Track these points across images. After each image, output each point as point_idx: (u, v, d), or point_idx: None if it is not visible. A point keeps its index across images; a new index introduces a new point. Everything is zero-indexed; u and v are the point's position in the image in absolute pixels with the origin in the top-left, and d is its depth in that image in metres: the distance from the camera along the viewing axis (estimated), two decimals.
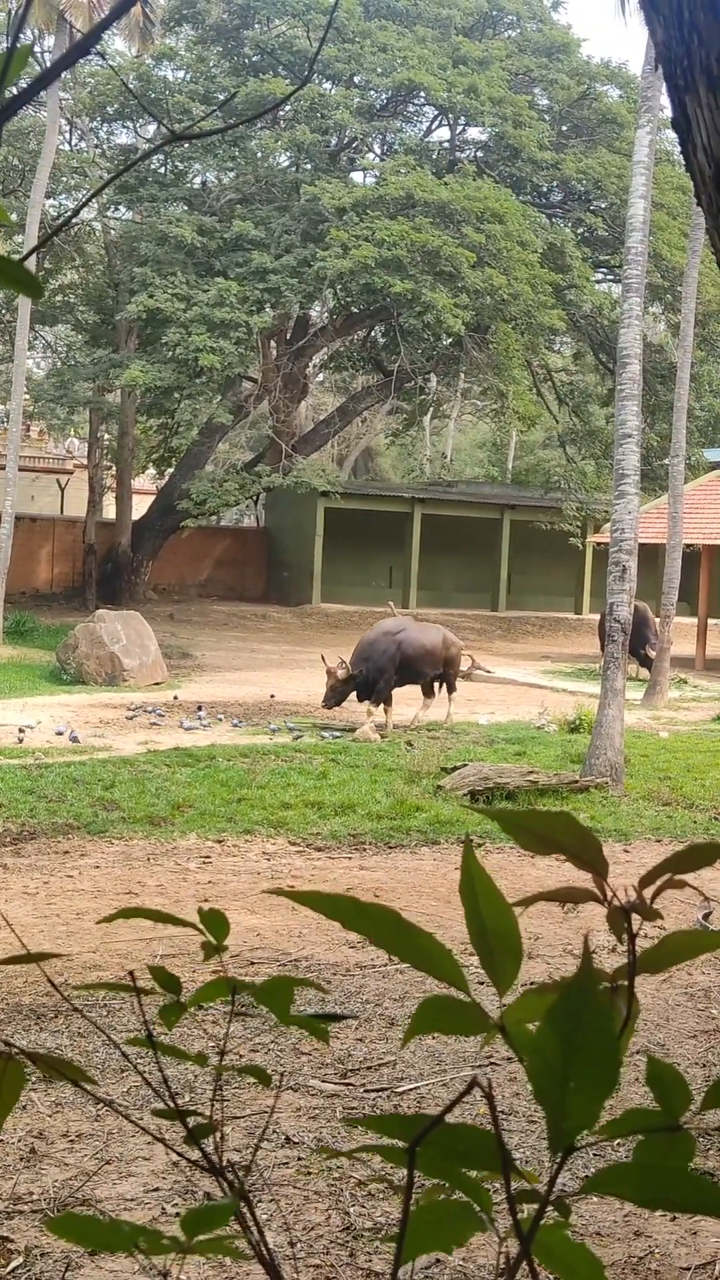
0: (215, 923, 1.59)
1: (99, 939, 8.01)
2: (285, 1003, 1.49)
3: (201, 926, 1.58)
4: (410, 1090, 5.94)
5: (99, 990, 7.09)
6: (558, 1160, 1.17)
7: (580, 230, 37.67)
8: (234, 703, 20.65)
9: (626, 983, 1.34)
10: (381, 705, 18.28)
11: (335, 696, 18.32)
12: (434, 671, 18.97)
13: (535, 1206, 1.22)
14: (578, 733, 17.50)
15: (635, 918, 1.35)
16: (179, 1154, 1.62)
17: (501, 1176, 1.21)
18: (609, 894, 1.37)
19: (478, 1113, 5.28)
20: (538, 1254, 1.22)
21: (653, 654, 24.55)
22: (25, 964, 1.55)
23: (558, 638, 39.16)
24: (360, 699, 18.39)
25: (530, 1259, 1.21)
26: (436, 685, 19.23)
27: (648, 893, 1.38)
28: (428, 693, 19.27)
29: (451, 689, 19.29)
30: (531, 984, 1.34)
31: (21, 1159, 5.11)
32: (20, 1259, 4.32)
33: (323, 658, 19.33)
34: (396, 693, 18.56)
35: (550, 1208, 1.22)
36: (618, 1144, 4.68)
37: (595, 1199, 4.80)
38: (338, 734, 17.35)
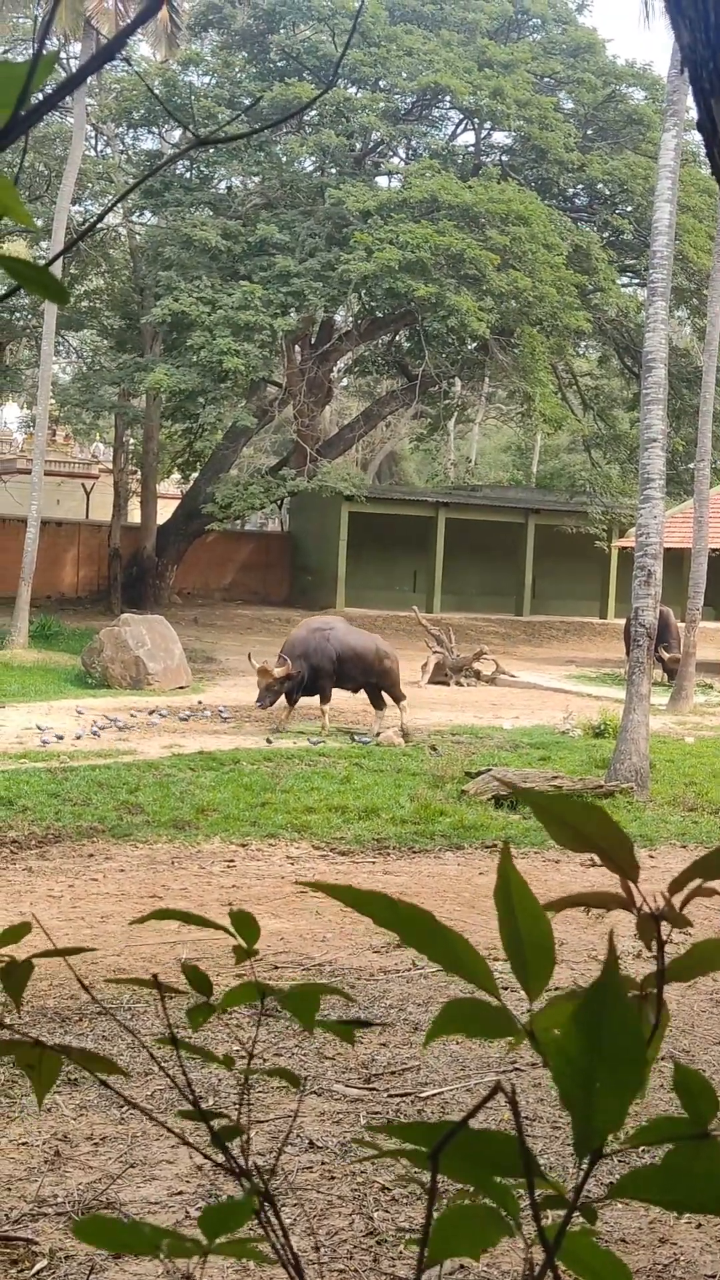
0: (245, 926, 1.59)
1: (123, 942, 8.02)
2: (312, 1010, 1.49)
3: (232, 930, 1.58)
4: (434, 1095, 5.93)
5: (124, 993, 7.09)
6: (584, 1165, 1.16)
7: (606, 233, 37.61)
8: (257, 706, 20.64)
9: (655, 991, 1.33)
10: (326, 705, 18.07)
11: (270, 695, 17.91)
12: (363, 678, 18.37)
13: (561, 1212, 1.21)
14: (602, 738, 17.45)
15: (664, 925, 1.35)
16: (205, 1156, 1.62)
17: (525, 1182, 1.21)
18: (638, 900, 1.37)
19: (502, 1118, 5.27)
20: (563, 1260, 1.21)
21: (666, 655, 24.49)
22: (50, 966, 1.55)
23: (582, 642, 39.08)
24: (290, 700, 18.09)
25: (555, 1265, 1.21)
26: (383, 695, 18.62)
27: (676, 899, 1.37)
28: (376, 704, 18.61)
29: (379, 704, 18.54)
30: (558, 989, 1.34)
31: (46, 1161, 5.12)
32: (45, 1261, 4.33)
33: (249, 657, 19.24)
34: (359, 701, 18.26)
35: (576, 1213, 1.22)
36: (642, 1151, 4.66)
37: (620, 1205, 4.79)
38: (366, 739, 17.19)
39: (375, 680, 18.43)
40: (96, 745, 16.15)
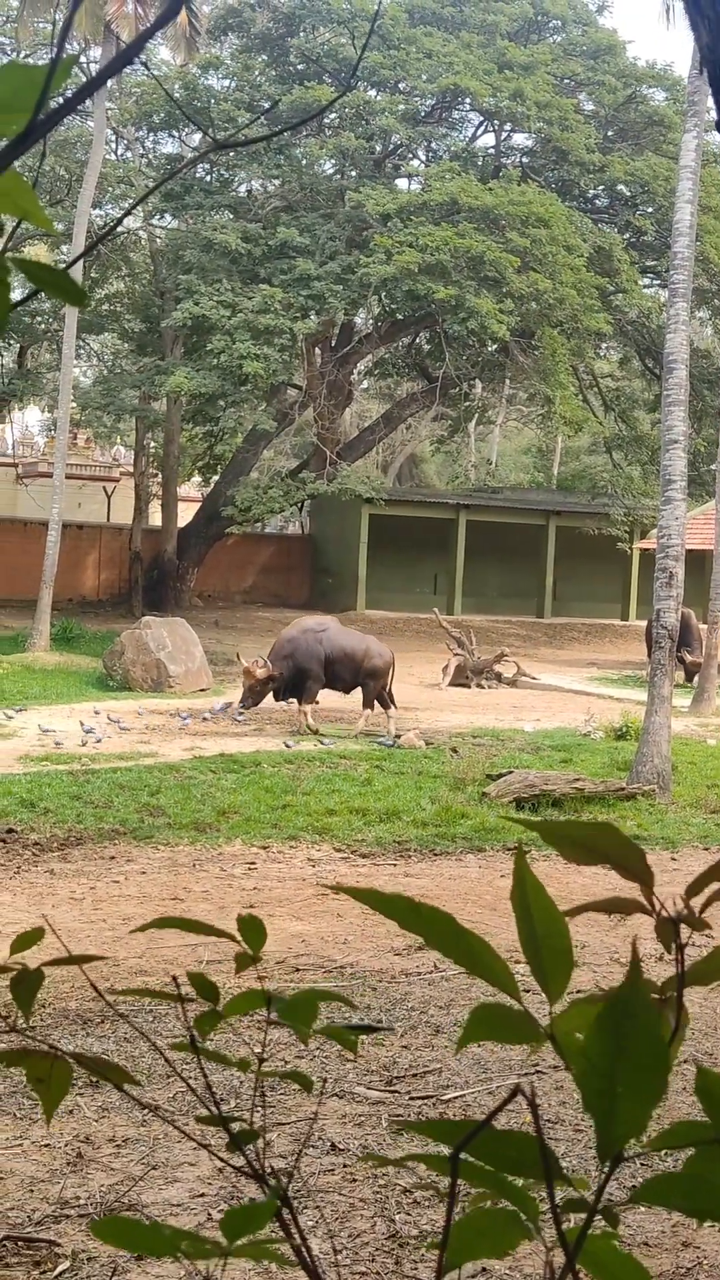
0: (252, 930, 1.57)
1: (144, 944, 8.03)
2: (310, 1019, 1.48)
3: (237, 936, 1.57)
4: (456, 1098, 5.92)
5: (143, 996, 7.11)
6: (606, 1169, 1.16)
7: (627, 234, 37.54)
8: (278, 708, 20.65)
9: (675, 994, 1.33)
10: (308, 705, 17.99)
11: (253, 696, 17.86)
12: (354, 679, 18.30)
13: (582, 1215, 1.21)
14: (624, 740, 17.41)
15: (683, 928, 1.34)
16: (223, 1160, 1.62)
17: (546, 1185, 1.21)
18: (657, 904, 1.36)
19: (524, 1121, 5.26)
20: (584, 1263, 1.21)
21: (688, 657, 24.43)
22: (70, 967, 1.55)
23: (604, 644, 39.00)
24: (278, 699, 18.01)
25: (575, 1268, 1.20)
26: (386, 696, 18.55)
27: (696, 902, 1.37)
28: (384, 704, 18.55)
29: (368, 704, 18.40)
30: (579, 992, 1.33)
31: (68, 1163, 5.13)
32: (67, 1263, 4.34)
33: (238, 656, 19.21)
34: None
35: (598, 1217, 1.21)
36: (664, 1154, 4.64)
37: (643, 1209, 4.77)
38: (387, 741, 17.15)
39: (364, 680, 18.34)
40: (118, 747, 16.17)
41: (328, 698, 19.48)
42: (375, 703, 18.50)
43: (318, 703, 18.99)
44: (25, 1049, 1.53)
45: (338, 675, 18.21)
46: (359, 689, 18.57)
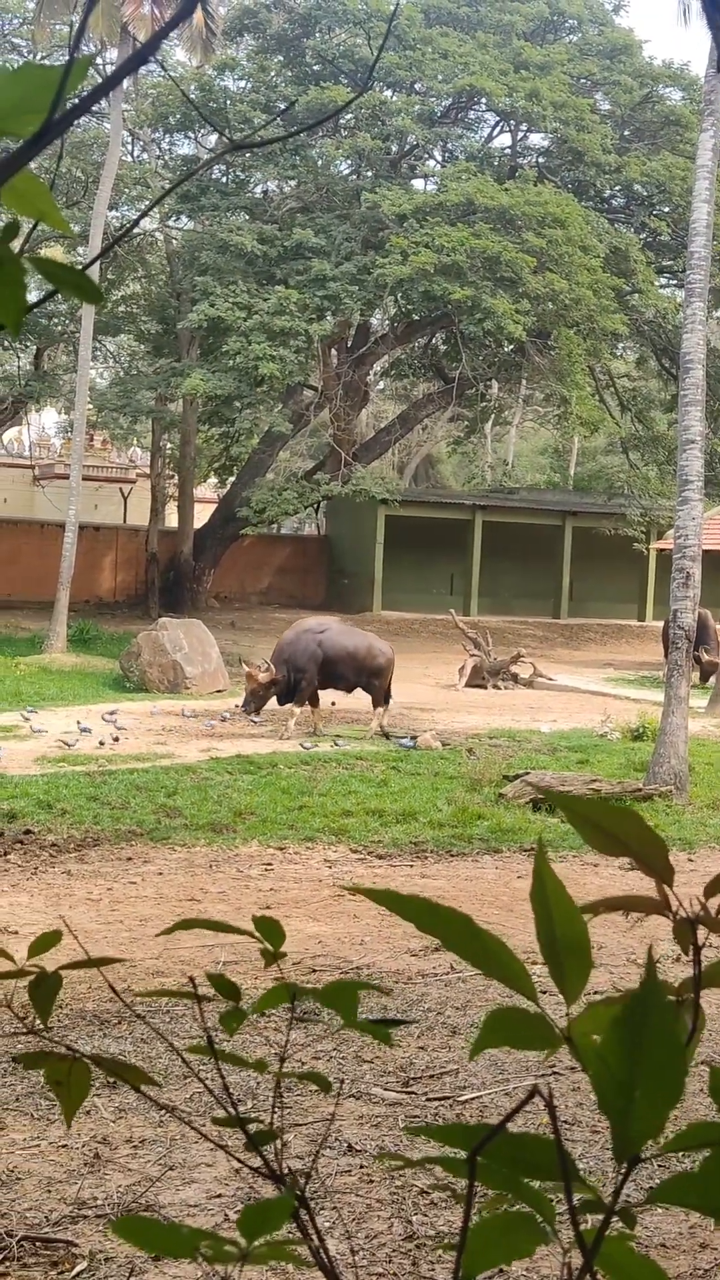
0: (271, 930, 1.58)
1: (162, 945, 8.04)
2: (351, 1006, 1.49)
3: (258, 934, 1.57)
4: (473, 1099, 5.92)
5: (161, 996, 7.12)
6: (622, 1171, 1.15)
7: (644, 234, 37.47)
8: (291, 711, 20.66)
9: (691, 996, 1.32)
10: (307, 706, 17.92)
11: (255, 700, 17.80)
12: (356, 679, 18.25)
13: (599, 1217, 1.21)
14: (641, 740, 17.37)
15: (701, 929, 1.34)
16: (241, 1161, 1.62)
17: (563, 1187, 1.20)
18: (675, 904, 1.36)
19: (540, 1123, 5.25)
20: (602, 1265, 1.21)
21: (705, 658, 24.38)
22: (88, 969, 1.56)
23: (620, 645, 38.94)
24: (281, 703, 17.95)
25: (593, 1270, 1.20)
26: (380, 694, 18.52)
27: (713, 903, 1.37)
28: (375, 701, 18.56)
29: (377, 702, 18.37)
30: (596, 994, 1.33)
31: (86, 1164, 5.14)
32: (85, 1263, 4.34)
33: (240, 660, 19.16)
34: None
35: (615, 1218, 1.21)
36: (681, 1156, 4.62)
37: (660, 1210, 4.76)
38: (407, 742, 17.08)
39: (367, 679, 18.32)
40: (134, 749, 16.20)
41: (343, 699, 19.47)
42: (381, 700, 18.51)
43: (334, 704, 18.97)
44: (44, 1051, 1.54)
45: (340, 675, 18.17)
46: (360, 689, 18.55)
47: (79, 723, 17.61)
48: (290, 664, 17.72)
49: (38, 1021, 1.54)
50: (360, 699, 19.15)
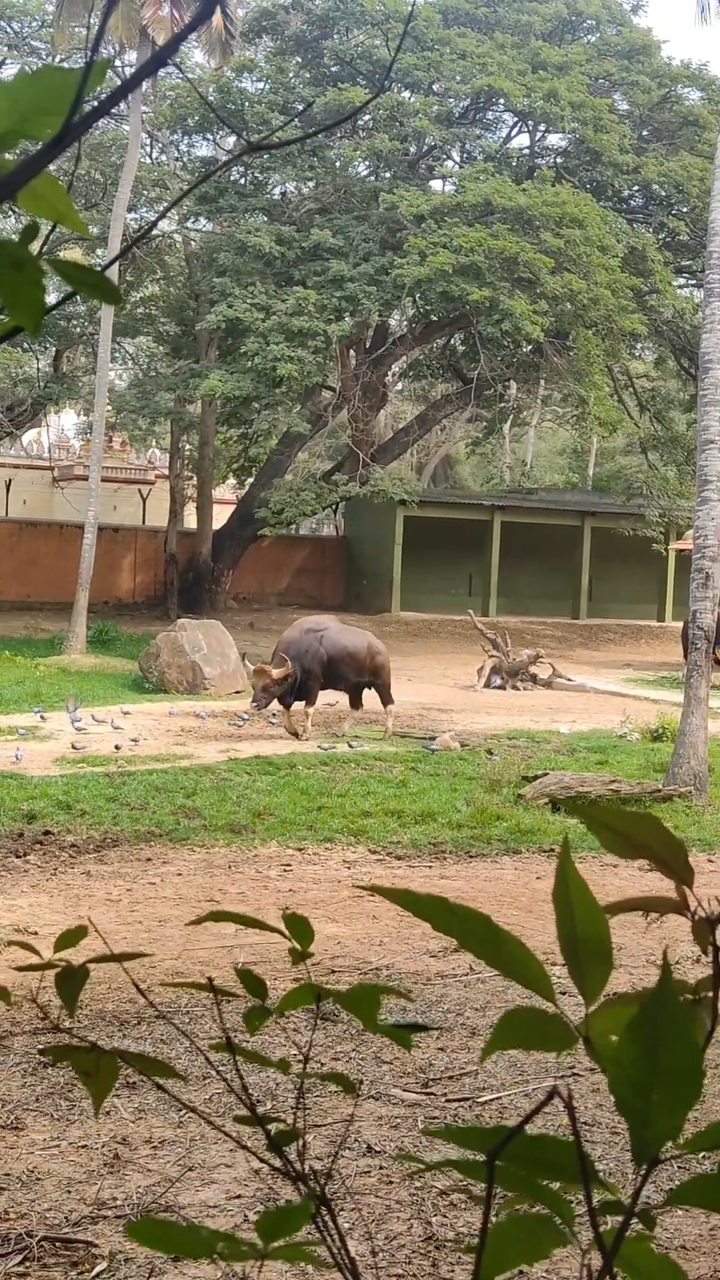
0: (300, 928, 1.59)
1: (181, 946, 8.05)
2: (373, 1010, 1.49)
3: (287, 932, 1.58)
4: (492, 1100, 5.91)
5: (181, 996, 7.11)
6: (642, 1172, 1.15)
7: (662, 235, 37.41)
8: (315, 710, 20.67)
9: (711, 994, 1.32)
10: (306, 706, 17.89)
11: (267, 696, 17.68)
12: (356, 678, 18.25)
13: (619, 1219, 1.20)
14: (661, 741, 17.33)
15: None
16: (262, 1160, 1.62)
17: (582, 1189, 1.20)
18: (694, 904, 1.36)
19: (560, 1124, 5.24)
20: (621, 1267, 1.20)
21: None
22: (108, 970, 1.57)
23: (640, 645, 38.87)
24: (284, 702, 17.85)
25: (613, 1271, 1.20)
26: (366, 694, 18.56)
27: None
28: (355, 703, 18.61)
29: (385, 700, 18.41)
30: (614, 994, 1.33)
31: (105, 1164, 5.14)
32: (104, 1264, 4.35)
33: (243, 658, 19.07)
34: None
35: (634, 1220, 1.21)
36: (701, 1157, 4.63)
37: (680, 1212, 4.75)
38: (433, 746, 17.00)
39: (368, 679, 18.31)
40: (154, 749, 16.22)
41: (342, 699, 19.35)
42: (359, 699, 18.54)
43: (332, 704, 18.91)
44: (70, 1045, 1.55)
45: (340, 675, 18.14)
46: (366, 689, 18.54)
47: (72, 720, 17.78)
48: (299, 663, 17.67)
49: (61, 1018, 1.55)
50: (370, 699, 19.10)
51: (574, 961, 1.25)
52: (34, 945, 1.80)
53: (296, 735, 17.66)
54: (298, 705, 18.00)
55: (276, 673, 17.47)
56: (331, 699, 19.31)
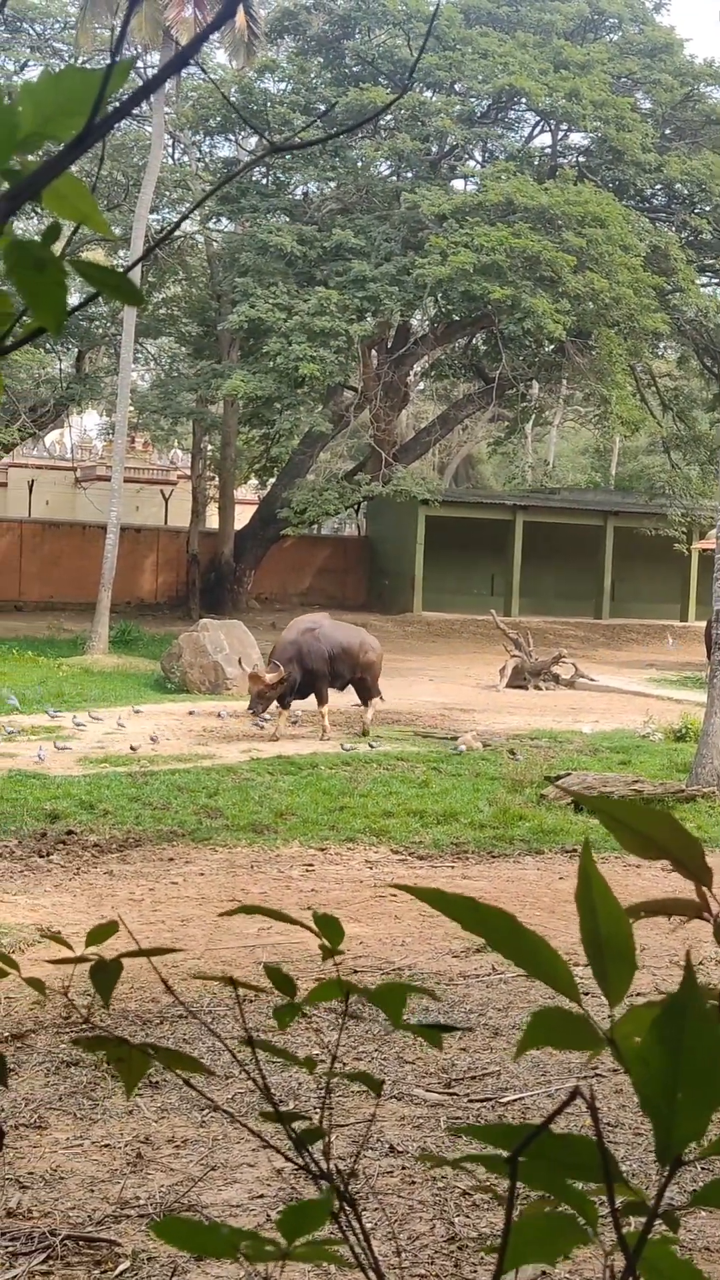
0: (330, 927, 1.60)
1: (203, 946, 8.06)
2: (399, 1007, 1.49)
3: (317, 929, 1.59)
4: (515, 1100, 5.90)
5: (204, 996, 7.12)
6: (665, 1172, 1.15)
7: (685, 233, 37.31)
8: (334, 710, 20.66)
9: None
10: (320, 705, 17.82)
11: (263, 701, 17.63)
12: (350, 675, 18.19)
13: (642, 1219, 1.20)
14: (683, 741, 17.29)
15: None
16: (287, 1158, 1.62)
17: (605, 1189, 1.20)
18: (715, 905, 1.35)
19: (583, 1124, 5.23)
20: (643, 1269, 1.20)
21: None
22: (134, 962, 1.58)
23: (662, 645, 38.78)
24: (283, 704, 17.77)
25: (636, 1273, 1.19)
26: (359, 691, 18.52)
27: None
28: (364, 699, 18.52)
29: (366, 698, 18.34)
30: (639, 995, 1.33)
31: (128, 1163, 5.16)
32: (127, 1263, 4.36)
33: (239, 662, 19.02)
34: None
35: (658, 1221, 1.20)
36: None
37: (704, 1213, 4.74)
38: (459, 747, 16.93)
39: (360, 675, 18.24)
40: (176, 749, 16.25)
41: (336, 699, 19.22)
42: (361, 695, 18.51)
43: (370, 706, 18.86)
44: (101, 1036, 1.56)
45: (336, 672, 18.08)
46: (351, 685, 18.47)
47: (73, 718, 17.89)
48: (300, 664, 17.57)
49: (93, 1011, 1.56)
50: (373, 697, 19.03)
51: (597, 963, 1.25)
52: (55, 947, 1.82)
53: (322, 732, 17.69)
54: (295, 705, 17.96)
55: (270, 677, 17.36)
56: (334, 699, 19.24)
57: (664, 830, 1.31)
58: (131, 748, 16.05)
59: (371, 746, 16.70)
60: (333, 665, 17.92)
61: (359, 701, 18.67)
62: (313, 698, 18.04)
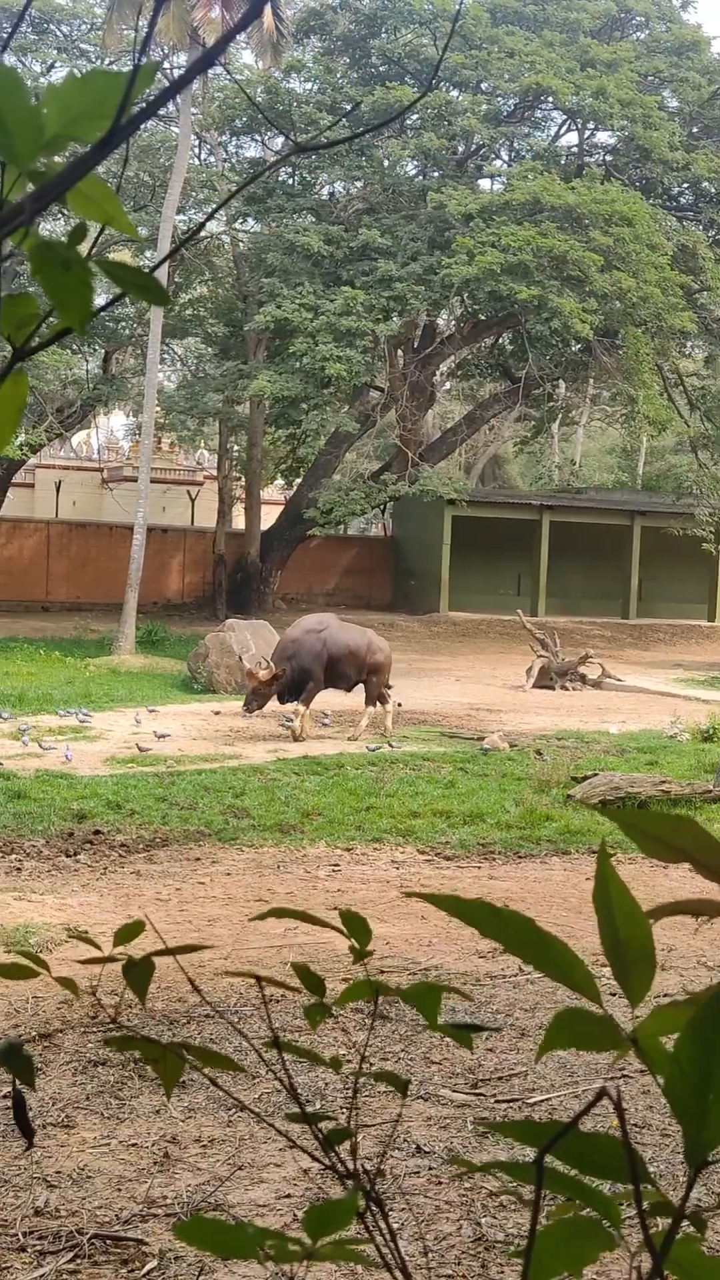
0: (358, 927, 1.60)
1: (230, 946, 8.07)
2: (435, 1008, 1.49)
3: (345, 930, 1.59)
4: (542, 1101, 5.89)
5: (231, 997, 7.13)
6: (693, 1174, 1.14)
7: (712, 232, 37.20)
8: (360, 711, 20.64)
9: None
10: (302, 706, 17.60)
11: (257, 699, 17.54)
12: (357, 676, 18.00)
13: (668, 1221, 1.20)
14: (711, 742, 17.24)
15: None
16: (314, 1158, 1.62)
17: (632, 1190, 1.19)
18: None
19: (610, 1125, 5.22)
20: (670, 1269, 1.20)
21: None
22: (160, 962, 1.58)
23: (690, 645, 38.64)
24: (282, 701, 17.71)
25: (663, 1273, 1.19)
26: (382, 692, 18.27)
27: None
28: (383, 700, 18.27)
29: (370, 700, 18.03)
30: (665, 996, 1.32)
31: (155, 1163, 5.17)
32: (154, 1262, 4.37)
33: (240, 658, 18.97)
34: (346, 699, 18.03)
35: (685, 1222, 1.20)
36: None
37: None
38: (487, 746, 16.88)
39: (367, 675, 18.08)
40: (202, 750, 16.28)
41: (340, 699, 19.15)
42: (375, 699, 18.35)
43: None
44: (130, 1036, 1.56)
45: (343, 674, 17.95)
46: (360, 686, 18.30)
47: (76, 714, 18.18)
48: (295, 663, 17.50)
49: (120, 1009, 1.57)
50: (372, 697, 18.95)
51: (618, 964, 1.25)
52: (82, 947, 1.82)
53: (295, 738, 17.37)
54: (294, 704, 17.91)
55: (263, 675, 17.32)
56: (331, 697, 19.20)
57: (686, 834, 1.31)
58: (146, 744, 16.07)
59: (391, 747, 16.65)
60: (340, 666, 17.82)
61: (371, 703, 18.47)
62: (327, 696, 18.01)
